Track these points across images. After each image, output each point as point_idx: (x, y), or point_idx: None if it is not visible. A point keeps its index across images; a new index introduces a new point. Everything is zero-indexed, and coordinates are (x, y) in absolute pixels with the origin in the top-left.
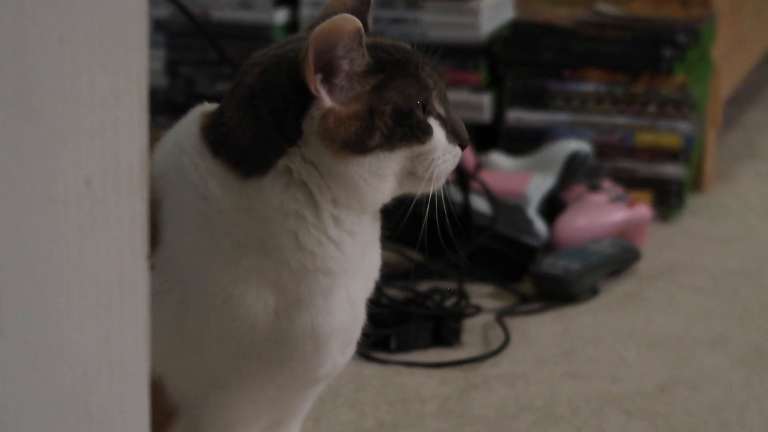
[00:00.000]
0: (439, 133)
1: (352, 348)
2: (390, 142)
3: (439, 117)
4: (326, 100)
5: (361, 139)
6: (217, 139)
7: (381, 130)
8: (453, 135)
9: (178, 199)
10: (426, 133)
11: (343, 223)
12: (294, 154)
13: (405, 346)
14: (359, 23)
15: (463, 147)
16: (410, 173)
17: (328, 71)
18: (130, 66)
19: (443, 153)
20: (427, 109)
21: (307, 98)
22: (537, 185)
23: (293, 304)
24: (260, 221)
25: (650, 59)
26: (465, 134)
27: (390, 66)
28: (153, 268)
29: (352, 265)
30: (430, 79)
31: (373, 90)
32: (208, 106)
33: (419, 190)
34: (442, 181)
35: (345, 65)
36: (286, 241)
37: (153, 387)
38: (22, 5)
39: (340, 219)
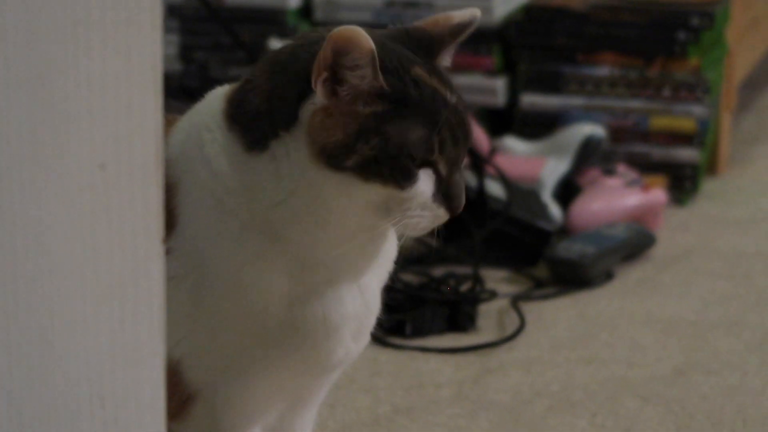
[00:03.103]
0: (425, 186)
1: (365, 336)
2: (364, 172)
3: (437, 174)
4: (320, 98)
5: (337, 153)
6: (237, 100)
7: (359, 154)
8: (443, 198)
9: (194, 180)
10: (407, 179)
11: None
12: (283, 141)
13: (420, 332)
14: (371, 45)
15: (450, 214)
16: (386, 208)
17: (335, 74)
18: (144, 48)
19: (421, 208)
20: (424, 161)
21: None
22: (551, 170)
23: (304, 292)
24: (261, 203)
25: (664, 43)
26: (457, 204)
27: (405, 104)
28: (170, 252)
29: (354, 264)
30: (445, 142)
31: (373, 116)
32: (229, 87)
33: (387, 225)
34: (413, 234)
35: (351, 79)
36: (280, 229)
37: (171, 371)
38: None
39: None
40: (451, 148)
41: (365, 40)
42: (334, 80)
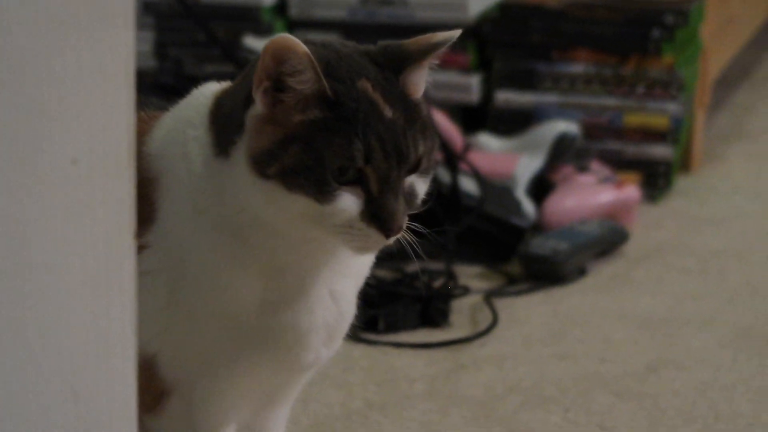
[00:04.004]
0: (347, 203)
1: (337, 342)
2: (286, 182)
3: (366, 192)
4: (258, 106)
5: (261, 160)
6: (219, 101)
7: (280, 162)
8: (372, 218)
9: (174, 176)
10: (324, 193)
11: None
12: (237, 149)
13: (393, 327)
14: (306, 49)
15: (384, 237)
16: (318, 222)
17: (278, 82)
18: (117, 44)
19: (348, 227)
20: (351, 179)
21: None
22: (525, 166)
23: (276, 298)
24: (228, 207)
25: (639, 40)
26: (388, 225)
27: (340, 114)
28: (148, 246)
29: (319, 271)
30: (373, 153)
31: (302, 124)
32: (216, 85)
33: (330, 240)
34: (355, 253)
35: (294, 85)
36: (247, 234)
37: (146, 366)
38: None
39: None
40: (382, 162)
41: (299, 45)
42: (277, 89)
